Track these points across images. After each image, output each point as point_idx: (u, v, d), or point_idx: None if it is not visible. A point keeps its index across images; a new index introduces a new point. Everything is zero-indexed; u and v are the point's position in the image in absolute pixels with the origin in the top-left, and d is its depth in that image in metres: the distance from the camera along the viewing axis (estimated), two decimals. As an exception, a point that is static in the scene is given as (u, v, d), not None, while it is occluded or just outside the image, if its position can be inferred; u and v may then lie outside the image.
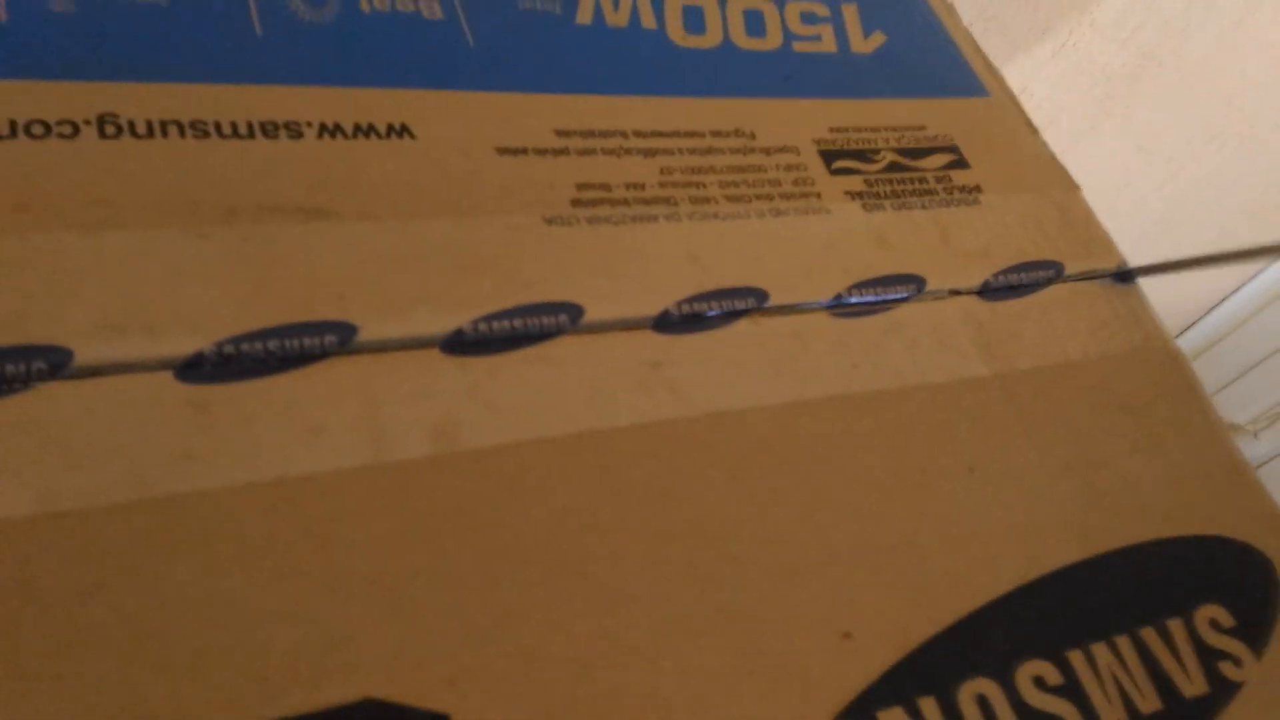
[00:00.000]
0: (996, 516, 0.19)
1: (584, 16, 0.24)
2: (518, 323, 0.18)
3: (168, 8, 0.20)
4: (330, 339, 0.17)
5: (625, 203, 0.21)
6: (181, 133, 0.18)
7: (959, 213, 0.24)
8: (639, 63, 0.24)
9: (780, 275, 0.21)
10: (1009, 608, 0.18)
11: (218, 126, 0.19)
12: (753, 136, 0.24)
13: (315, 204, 0.19)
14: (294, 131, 0.19)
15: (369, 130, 0.20)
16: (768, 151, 0.24)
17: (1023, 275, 0.23)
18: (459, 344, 0.18)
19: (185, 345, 0.16)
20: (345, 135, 0.20)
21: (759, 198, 0.22)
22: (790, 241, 0.22)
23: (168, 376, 0.16)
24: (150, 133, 0.18)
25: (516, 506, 0.16)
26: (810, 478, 0.19)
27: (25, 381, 0.15)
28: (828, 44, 0.27)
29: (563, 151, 0.21)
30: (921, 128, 0.26)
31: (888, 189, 0.24)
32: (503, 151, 0.21)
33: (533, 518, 0.16)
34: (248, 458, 0.16)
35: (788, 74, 0.26)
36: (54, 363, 0.15)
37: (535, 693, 0.15)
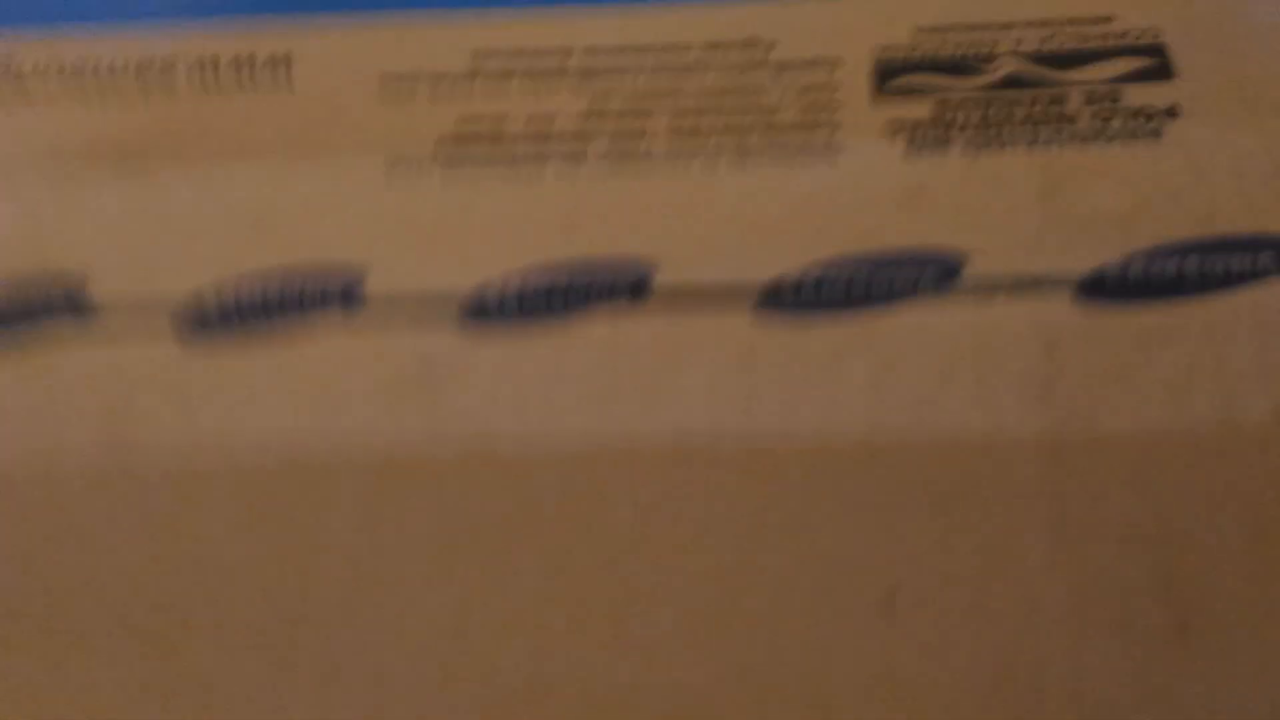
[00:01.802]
0: None
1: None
2: (273, 290, 0.14)
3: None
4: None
5: (507, 145, 0.15)
6: None
7: (1107, 153, 0.14)
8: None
9: (694, 247, 0.14)
10: None
11: None
12: (770, 48, 0.16)
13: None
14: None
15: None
16: (781, 68, 0.16)
17: (1189, 261, 0.13)
18: (200, 320, 0.14)
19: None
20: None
21: (728, 136, 0.15)
22: (733, 200, 0.14)
23: None
24: None
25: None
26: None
27: None
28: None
29: (467, 78, 0.16)
30: (1106, 19, 0.16)
31: (976, 115, 0.15)
32: (386, 81, 0.17)
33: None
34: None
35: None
36: None
37: None
